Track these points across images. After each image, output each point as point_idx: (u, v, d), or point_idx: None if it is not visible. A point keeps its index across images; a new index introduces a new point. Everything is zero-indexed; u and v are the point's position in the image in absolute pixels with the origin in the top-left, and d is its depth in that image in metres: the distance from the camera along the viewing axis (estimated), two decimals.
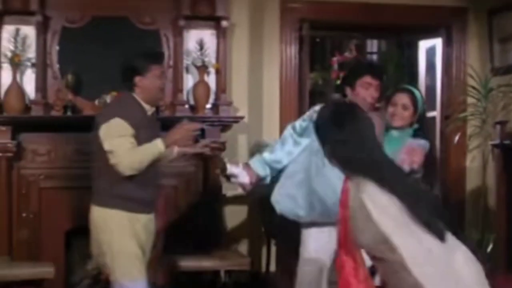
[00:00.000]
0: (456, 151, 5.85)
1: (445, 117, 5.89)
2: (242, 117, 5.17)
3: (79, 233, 4.83)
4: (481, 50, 5.87)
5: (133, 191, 3.43)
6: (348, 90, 3.68)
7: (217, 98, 5.15)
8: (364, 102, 3.52)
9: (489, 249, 5.31)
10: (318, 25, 5.89)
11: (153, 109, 3.58)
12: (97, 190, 3.53)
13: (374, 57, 8.33)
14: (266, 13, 5.58)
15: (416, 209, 2.19)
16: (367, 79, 3.60)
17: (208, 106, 5.13)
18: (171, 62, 5.07)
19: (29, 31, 4.88)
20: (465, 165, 5.87)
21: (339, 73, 7.32)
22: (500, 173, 5.16)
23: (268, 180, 3.64)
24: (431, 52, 6.22)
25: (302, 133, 3.53)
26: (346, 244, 2.33)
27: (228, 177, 3.64)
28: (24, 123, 4.84)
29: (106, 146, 3.34)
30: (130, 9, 5.10)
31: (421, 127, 3.55)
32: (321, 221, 3.50)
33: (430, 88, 6.14)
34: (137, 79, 3.44)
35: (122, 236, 3.47)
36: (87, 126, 4.62)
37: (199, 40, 5.11)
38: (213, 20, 5.16)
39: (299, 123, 3.62)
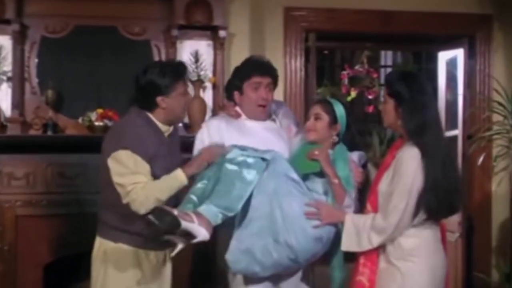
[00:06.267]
0: (481, 174, 5.85)
1: (467, 137, 5.87)
2: None
3: (59, 267, 4.99)
4: (508, 62, 5.94)
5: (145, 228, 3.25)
6: (236, 96, 3.65)
7: (214, 115, 5.06)
8: (254, 106, 3.57)
9: None
10: (326, 36, 5.92)
11: (171, 129, 3.45)
12: (103, 221, 3.42)
13: (389, 70, 8.37)
14: (268, 22, 5.61)
15: None
16: (255, 78, 3.58)
17: None
18: None
19: (4, 42, 4.91)
20: (490, 189, 5.88)
21: (349, 89, 7.37)
22: None
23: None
24: (452, 64, 6.23)
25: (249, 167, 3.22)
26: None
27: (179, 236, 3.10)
28: None
29: (116, 180, 3.23)
30: (118, 17, 5.12)
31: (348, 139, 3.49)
32: (279, 273, 3.34)
33: (451, 104, 6.11)
34: (159, 99, 3.32)
35: (119, 276, 3.34)
36: (69, 147, 4.95)
37: (194, 51, 5.13)
38: (210, 30, 5.18)
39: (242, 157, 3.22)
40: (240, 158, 3.19)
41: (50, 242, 4.91)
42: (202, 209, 3.12)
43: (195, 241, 3.08)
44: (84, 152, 4.90)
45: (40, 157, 4.92)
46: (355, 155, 3.41)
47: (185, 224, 3.02)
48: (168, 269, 3.53)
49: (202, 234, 3.07)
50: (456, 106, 6.05)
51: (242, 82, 3.61)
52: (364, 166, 3.43)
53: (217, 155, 3.29)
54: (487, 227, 5.88)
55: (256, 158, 3.20)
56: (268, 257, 3.19)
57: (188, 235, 3.07)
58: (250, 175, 3.16)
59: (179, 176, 3.26)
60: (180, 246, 3.12)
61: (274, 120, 3.72)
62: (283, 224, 3.16)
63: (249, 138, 3.46)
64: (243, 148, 3.26)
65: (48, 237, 4.90)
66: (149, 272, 3.39)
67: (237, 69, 3.71)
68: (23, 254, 4.88)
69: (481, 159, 5.68)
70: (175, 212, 3.05)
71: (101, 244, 3.40)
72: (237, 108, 3.66)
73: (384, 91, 3.20)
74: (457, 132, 5.97)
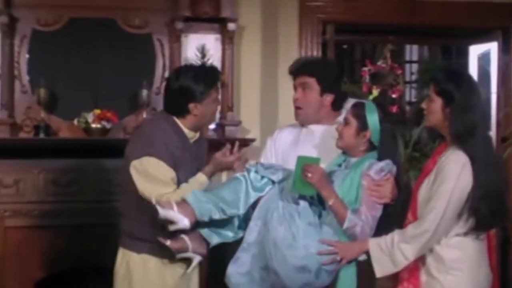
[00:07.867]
0: None
1: (501, 139, 5.85)
2: (253, 140, 5.10)
3: (52, 284, 4.99)
4: None
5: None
6: None
7: (222, 116, 5.16)
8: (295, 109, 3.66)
9: None
10: (345, 28, 5.99)
11: (197, 135, 3.55)
12: (125, 231, 3.48)
13: (414, 66, 8.40)
14: (282, 14, 5.58)
15: None
16: (294, 81, 3.68)
17: (212, 126, 5.12)
18: (166, 73, 5.05)
19: None
20: None
21: (371, 87, 7.32)
22: None
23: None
24: (484, 59, 6.28)
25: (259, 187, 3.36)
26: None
27: None
28: None
29: (142, 189, 3.33)
30: (117, 9, 5.13)
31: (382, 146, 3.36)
32: None
33: (484, 103, 6.00)
34: (192, 105, 3.41)
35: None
36: (63, 151, 5.00)
37: (200, 46, 5.13)
38: (218, 22, 5.19)
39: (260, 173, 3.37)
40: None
41: (42, 256, 4.90)
42: (189, 199, 3.28)
43: (173, 228, 3.22)
44: (80, 157, 4.96)
45: (31, 163, 4.92)
46: (373, 168, 3.19)
47: (163, 213, 3.17)
48: (195, 277, 3.59)
49: (182, 222, 3.20)
50: (489, 105, 6.06)
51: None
52: (396, 179, 3.25)
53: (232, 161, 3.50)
54: None
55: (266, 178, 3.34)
56: (266, 282, 3.28)
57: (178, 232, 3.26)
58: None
59: (199, 178, 3.41)
60: (196, 261, 3.34)
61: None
62: (269, 250, 3.21)
63: (301, 146, 3.53)
64: (256, 167, 3.36)
65: (40, 250, 4.89)
66: (174, 282, 3.44)
67: None
68: (12, 270, 4.88)
69: None
70: (153, 200, 3.24)
71: (124, 256, 3.45)
72: None
73: (430, 89, 3.18)
74: (490, 134, 5.84)
